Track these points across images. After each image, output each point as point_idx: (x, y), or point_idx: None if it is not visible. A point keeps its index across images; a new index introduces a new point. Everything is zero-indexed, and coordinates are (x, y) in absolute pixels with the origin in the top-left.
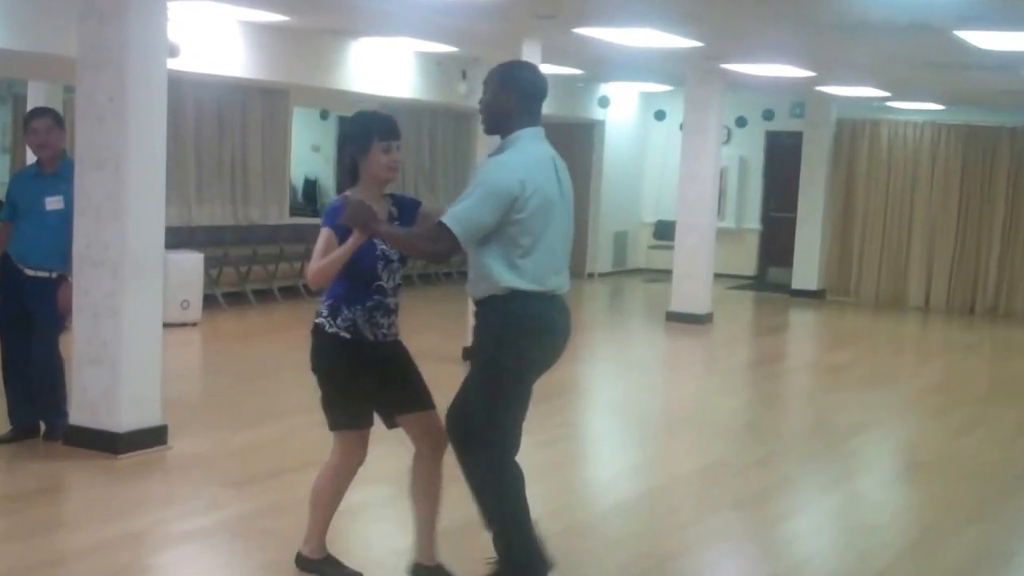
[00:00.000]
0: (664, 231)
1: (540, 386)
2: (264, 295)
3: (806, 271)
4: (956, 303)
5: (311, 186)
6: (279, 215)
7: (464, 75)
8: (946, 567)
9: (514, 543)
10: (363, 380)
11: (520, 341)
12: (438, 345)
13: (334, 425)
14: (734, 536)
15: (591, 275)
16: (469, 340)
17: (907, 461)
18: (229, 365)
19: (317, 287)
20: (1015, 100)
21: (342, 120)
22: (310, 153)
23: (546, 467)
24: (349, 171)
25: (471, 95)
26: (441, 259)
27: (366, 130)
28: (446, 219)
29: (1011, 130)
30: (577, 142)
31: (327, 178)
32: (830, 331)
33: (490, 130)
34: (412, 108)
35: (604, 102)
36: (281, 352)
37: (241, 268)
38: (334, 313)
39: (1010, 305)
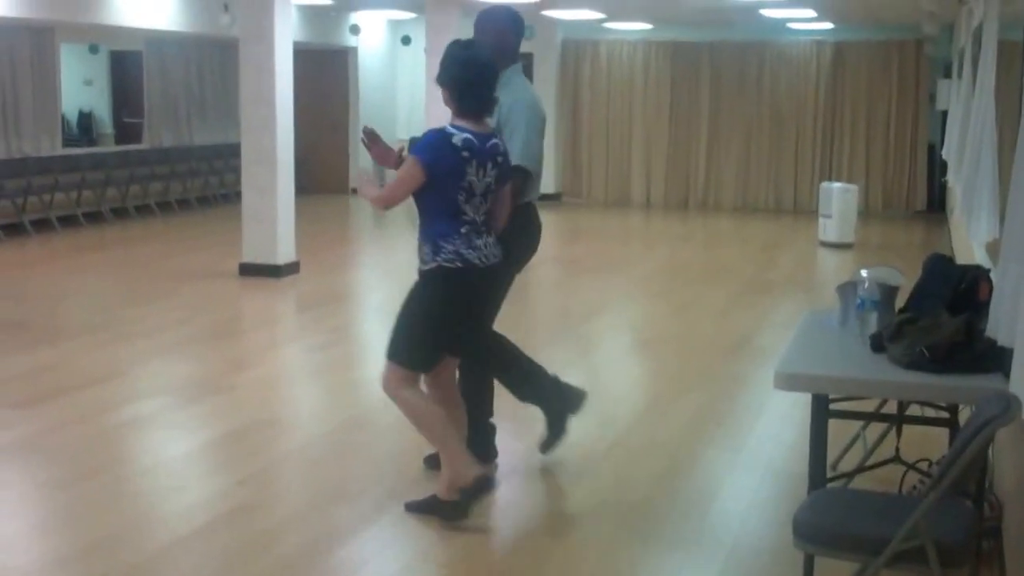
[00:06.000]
0: None
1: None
2: (42, 224)
3: (544, 177)
4: (672, 200)
5: (86, 118)
6: (51, 147)
7: (226, 7)
8: (672, 429)
9: (544, 385)
10: (461, 316)
11: (529, 239)
12: (213, 262)
13: (414, 364)
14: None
15: (354, 190)
16: (244, 258)
17: (635, 339)
18: (9, 292)
19: (386, 208)
20: (713, 17)
21: (114, 55)
22: (83, 87)
23: (319, 370)
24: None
25: (234, 26)
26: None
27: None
28: (517, 162)
29: (710, 44)
30: (331, 68)
31: (102, 110)
32: (566, 229)
33: None
34: (178, 40)
35: (355, 30)
36: (61, 278)
37: (16, 200)
38: (435, 251)
39: (718, 199)
